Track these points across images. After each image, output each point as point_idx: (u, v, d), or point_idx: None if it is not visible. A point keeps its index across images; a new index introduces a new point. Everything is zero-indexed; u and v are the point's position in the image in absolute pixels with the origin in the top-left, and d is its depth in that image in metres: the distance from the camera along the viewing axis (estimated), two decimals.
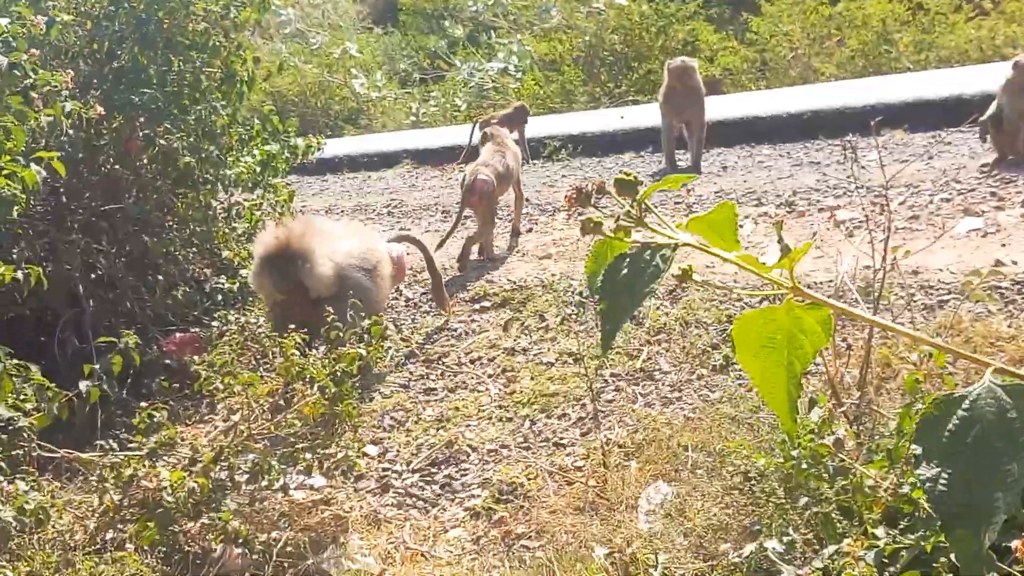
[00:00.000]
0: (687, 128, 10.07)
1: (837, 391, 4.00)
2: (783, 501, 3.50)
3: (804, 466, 3.42)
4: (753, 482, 3.83)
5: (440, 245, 7.38)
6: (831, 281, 5.54)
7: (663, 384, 5.28)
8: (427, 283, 7.21)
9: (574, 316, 6.22)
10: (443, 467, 4.95)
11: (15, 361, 4.05)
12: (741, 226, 7.33)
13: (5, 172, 4.22)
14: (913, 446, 1.13)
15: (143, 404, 5.11)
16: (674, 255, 1.21)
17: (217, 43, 6.90)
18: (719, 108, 12.08)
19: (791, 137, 10.26)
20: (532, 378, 5.66)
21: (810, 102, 11.05)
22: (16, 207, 4.22)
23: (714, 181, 9.15)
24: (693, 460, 4.38)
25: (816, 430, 3.48)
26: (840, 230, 6.55)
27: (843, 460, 3.39)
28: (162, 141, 6.52)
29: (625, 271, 1.24)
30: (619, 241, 1.26)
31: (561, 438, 4.98)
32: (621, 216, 1.25)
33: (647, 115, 12.91)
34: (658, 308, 5.99)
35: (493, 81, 20.56)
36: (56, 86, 4.60)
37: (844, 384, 4.18)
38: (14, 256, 5.52)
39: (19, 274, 4.18)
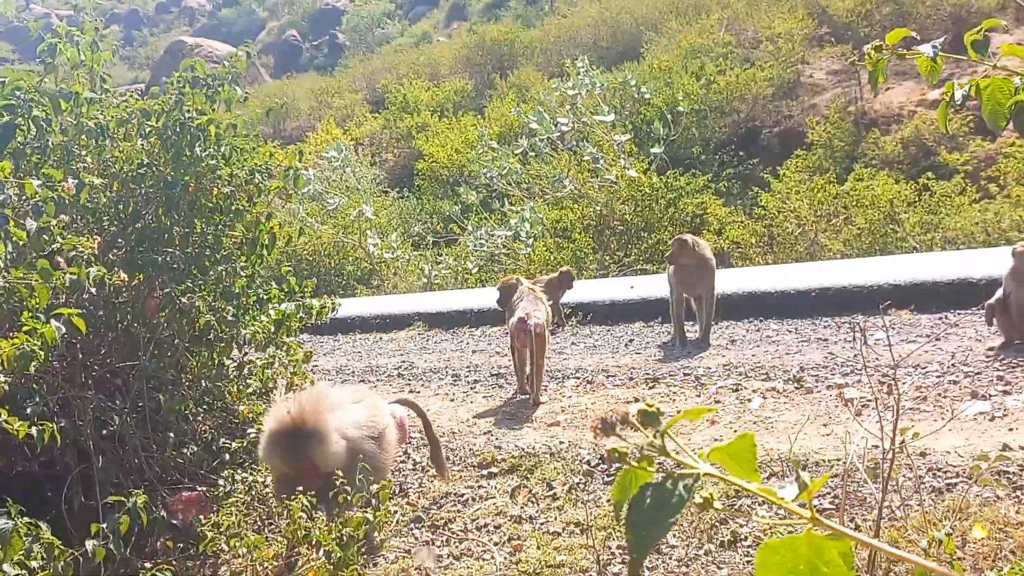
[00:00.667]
0: (696, 302, 10.19)
1: None
2: None
3: None
4: None
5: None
6: (840, 459, 5.55)
7: (670, 558, 5.24)
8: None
9: (582, 485, 6.21)
10: None
11: (26, 519, 4.06)
12: (749, 400, 7.38)
13: (25, 328, 4.31)
14: None
15: (147, 564, 5.10)
16: (697, 485, 1.27)
17: (240, 207, 7.09)
18: (727, 281, 12.26)
19: (798, 313, 10.38)
20: (538, 547, 5.61)
21: (817, 279, 11.21)
22: (33, 362, 4.29)
23: (722, 354, 9.23)
24: None
25: None
26: (848, 408, 6.58)
27: None
28: (183, 300, 6.64)
29: (649, 501, 1.29)
30: (643, 471, 1.32)
31: None
32: (645, 447, 1.32)
33: (657, 285, 13.09)
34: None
35: (505, 246, 20.88)
36: (82, 251, 4.73)
37: (853, 567, 4.16)
38: (28, 411, 5.56)
39: (33, 430, 4.23)
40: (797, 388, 7.53)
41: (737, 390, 7.75)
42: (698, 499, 1.28)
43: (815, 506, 1.39)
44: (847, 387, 7.24)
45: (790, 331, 9.85)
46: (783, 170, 22.00)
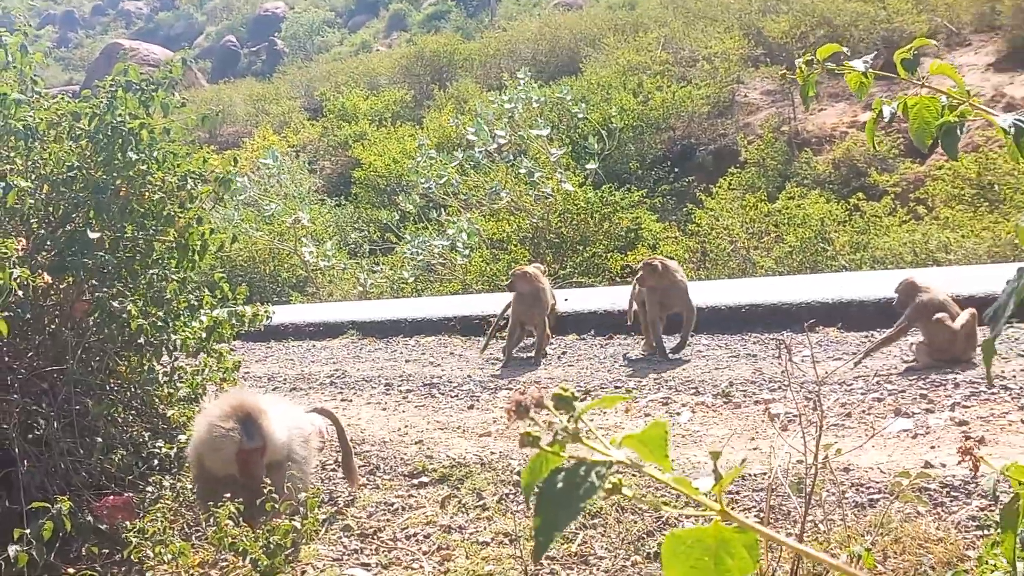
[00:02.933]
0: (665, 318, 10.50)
1: None
2: None
3: None
4: None
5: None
6: (765, 473, 5.64)
7: (598, 570, 5.28)
8: (366, 455, 7.23)
9: (512, 496, 6.24)
10: None
11: None
12: (678, 414, 7.47)
13: None
14: None
15: (71, 570, 5.05)
16: (609, 472, 1.29)
17: (172, 213, 7.03)
18: None
19: (729, 328, 10.53)
20: (467, 557, 5.63)
21: (748, 295, 11.38)
22: None
23: (653, 368, 9.33)
24: None
25: None
26: (774, 423, 6.69)
27: None
28: (113, 304, 6.58)
29: (560, 485, 1.30)
30: (555, 456, 1.34)
31: None
32: (558, 432, 1.34)
33: (590, 298, 13.20)
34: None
35: (441, 256, 20.90)
36: (6, 252, 4.68)
37: (758, 561, 4.23)
38: None
39: None
40: (725, 403, 7.64)
41: (667, 403, 7.84)
42: (607, 484, 1.31)
43: (786, 539, 1.43)
44: (774, 402, 7.35)
45: (720, 346, 9.99)
46: (717, 188, 22.25)
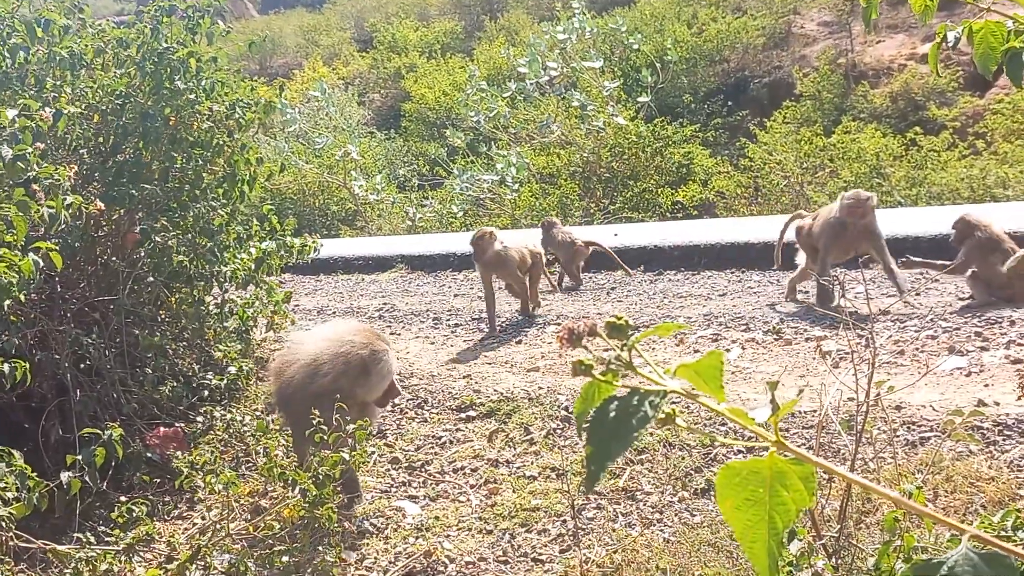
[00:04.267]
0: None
1: (817, 523, 4.00)
2: None
3: None
4: None
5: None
6: (815, 411, 5.57)
7: (644, 505, 5.26)
8: (414, 389, 7.25)
9: (559, 431, 6.22)
10: None
11: None
12: (728, 350, 7.39)
13: (3, 261, 4.27)
14: None
15: (123, 498, 5.10)
16: (663, 401, 1.24)
17: (221, 142, 7.02)
18: (710, 232, 12.24)
19: (781, 265, 10.37)
20: (514, 491, 5.63)
21: None
22: (12, 295, 4.26)
23: (703, 304, 9.24)
24: None
25: (795, 563, 3.47)
26: (826, 360, 6.60)
27: None
28: (157, 237, 6.60)
29: (613, 415, 1.25)
30: (608, 385, 1.29)
31: (540, 554, 4.94)
32: (611, 360, 1.29)
33: (641, 233, 13.07)
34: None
35: (490, 191, 20.80)
36: (58, 180, 4.68)
37: (824, 516, 4.19)
38: (3, 344, 5.53)
39: (5, 367, 4.20)
40: (776, 339, 7.55)
41: (716, 340, 7.76)
42: (660, 415, 1.25)
43: (822, 462, 1.36)
44: (825, 339, 7.25)
45: (772, 283, 9.86)
46: (771, 121, 21.91)
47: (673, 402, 1.29)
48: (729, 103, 25.97)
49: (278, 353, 6.26)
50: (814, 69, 25.70)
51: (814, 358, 6.85)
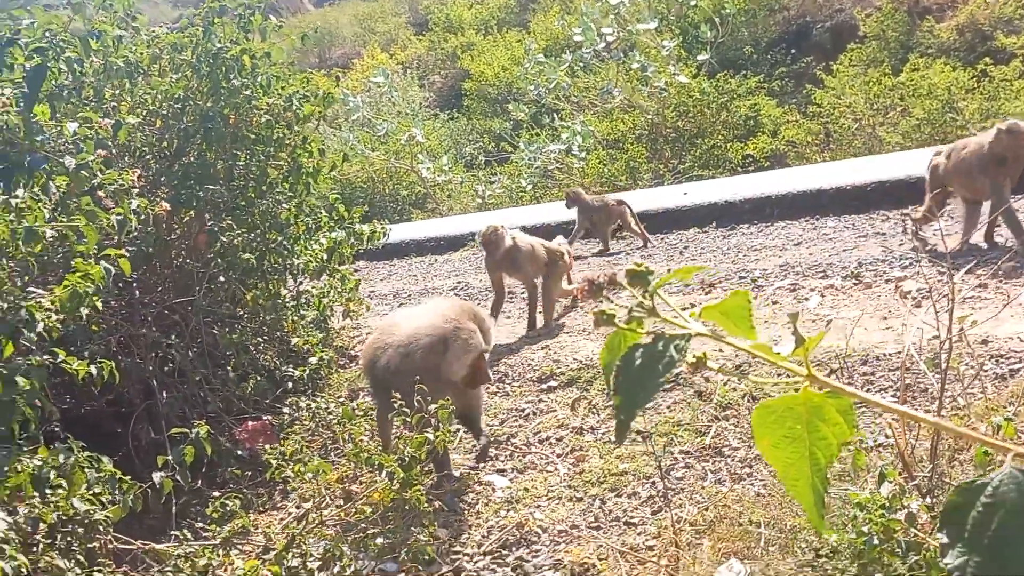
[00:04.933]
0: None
1: (908, 464, 3.94)
2: None
3: (876, 542, 3.37)
4: (825, 559, 3.77)
5: None
6: (899, 352, 5.48)
7: (732, 460, 5.23)
8: (493, 363, 7.26)
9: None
10: (514, 549, 4.92)
11: (87, 454, 4.14)
12: (807, 299, 7.29)
13: (76, 270, 4.35)
14: (938, 534, 1.12)
15: (216, 493, 5.20)
16: (688, 344, 1.21)
17: (281, 136, 7.08)
18: (782, 182, 12.08)
19: (856, 208, 10.20)
20: (601, 457, 5.63)
21: (874, 173, 10.98)
22: (86, 303, 4.34)
23: (778, 255, 9.12)
24: (765, 537, 4.31)
25: (887, 505, 3.43)
26: (906, 301, 6.48)
27: (916, 535, 3.33)
28: (223, 237, 6.68)
29: (639, 362, 1.23)
30: (632, 332, 1.27)
31: (632, 517, 4.94)
32: (633, 307, 1.26)
33: (710, 190, 12.94)
34: (725, 383, 5.95)
35: (557, 161, 20.71)
36: (123, 184, 4.75)
37: (915, 456, 4.12)
38: (87, 352, 5.65)
39: (92, 369, 4.29)
40: (855, 284, 7.42)
41: (794, 289, 7.66)
42: (690, 358, 1.23)
43: (879, 400, 1.32)
44: (905, 280, 7.12)
45: (847, 227, 9.70)
46: (837, 65, 21.48)
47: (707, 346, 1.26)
48: (792, 51, 25.50)
49: (372, 332, 6.32)
50: (876, 9, 25.12)
51: (894, 299, 6.72)
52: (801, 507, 3.85)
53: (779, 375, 1.30)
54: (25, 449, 3.97)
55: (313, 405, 6.71)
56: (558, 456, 5.85)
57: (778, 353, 1.21)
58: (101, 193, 4.57)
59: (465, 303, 5.63)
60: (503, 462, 5.93)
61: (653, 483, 5.16)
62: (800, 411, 1.21)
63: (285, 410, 6.85)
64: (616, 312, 1.27)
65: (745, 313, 1.23)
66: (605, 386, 6.43)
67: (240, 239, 6.78)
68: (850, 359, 5.71)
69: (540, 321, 8.23)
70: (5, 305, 3.97)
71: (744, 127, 20.82)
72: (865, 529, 3.42)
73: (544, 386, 6.81)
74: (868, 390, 5.36)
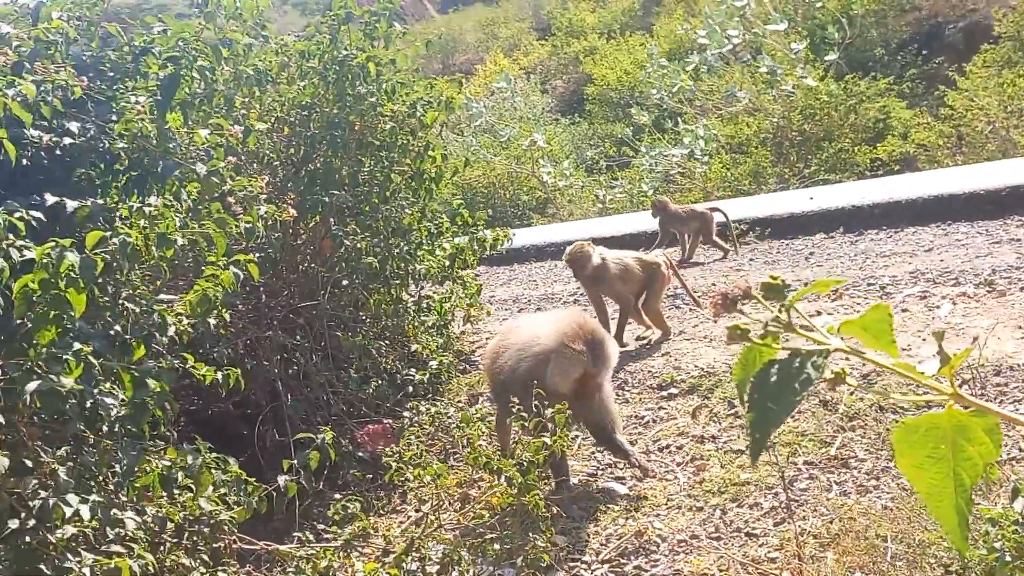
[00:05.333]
0: None
1: None
2: None
3: (1008, 559, 3.25)
4: (956, 575, 3.66)
5: None
6: None
7: (859, 472, 5.10)
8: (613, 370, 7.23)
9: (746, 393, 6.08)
10: (632, 558, 4.87)
11: (214, 455, 4.23)
12: (938, 307, 7.08)
13: (206, 275, 4.45)
14: None
15: (338, 495, 5.27)
16: (826, 362, 1.17)
17: (405, 142, 7.15)
18: (912, 186, 11.77)
19: (989, 214, 9.87)
20: (722, 466, 5.55)
21: (1009, 177, 10.63)
22: (215, 309, 4.44)
23: (908, 261, 8.88)
24: (892, 552, 4.20)
25: (1021, 520, 3.30)
26: None
27: None
28: (346, 242, 6.77)
29: (774, 379, 1.20)
30: (767, 348, 1.23)
31: (753, 528, 4.85)
32: (769, 322, 1.23)
33: (838, 195, 12.68)
34: (852, 393, 5.81)
35: (679, 166, 20.56)
36: (252, 191, 4.84)
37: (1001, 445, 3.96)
38: (215, 355, 5.78)
39: (219, 375, 4.38)
40: (989, 292, 7.18)
41: (925, 297, 7.44)
42: (828, 374, 1.19)
43: (1007, 412, 1.26)
44: None
45: (980, 233, 9.39)
46: (969, 67, 20.89)
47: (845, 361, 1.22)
48: (923, 52, 24.88)
49: (494, 336, 6.35)
50: (1011, 9, 24.35)
51: None
52: (933, 522, 3.73)
53: (909, 386, 1.25)
54: (154, 450, 4.08)
55: (433, 409, 6.76)
56: (678, 464, 5.78)
57: (922, 372, 1.17)
58: (231, 199, 4.67)
59: (585, 320, 5.53)
60: (622, 469, 5.88)
61: (776, 494, 5.06)
62: (945, 430, 1.17)
63: (405, 414, 6.91)
64: (750, 328, 1.24)
65: (886, 328, 1.18)
66: (727, 395, 6.35)
67: (364, 244, 6.86)
68: (983, 369, 5.52)
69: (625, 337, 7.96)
70: (138, 309, 4.08)
71: (873, 130, 20.38)
72: (997, 545, 3.30)
73: (664, 393, 6.74)
74: (1000, 402, 5.19)
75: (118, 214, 4.47)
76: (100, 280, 3.76)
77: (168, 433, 4.57)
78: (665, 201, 11.86)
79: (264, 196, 5.21)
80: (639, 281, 7.84)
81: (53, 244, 3.43)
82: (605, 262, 7.78)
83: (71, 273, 3.43)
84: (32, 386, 3.27)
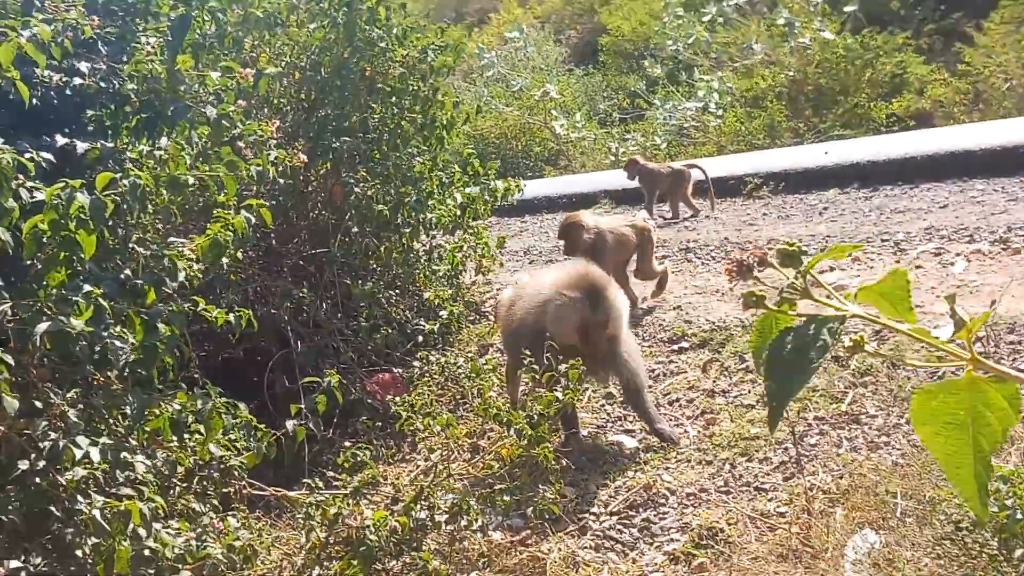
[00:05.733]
0: None
1: None
2: (997, 552, 3.31)
3: (1020, 516, 3.23)
4: (965, 532, 3.64)
5: None
6: None
7: (870, 428, 5.08)
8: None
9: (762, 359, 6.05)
10: (641, 510, 4.87)
11: (224, 400, 4.21)
12: (952, 264, 7.03)
13: (217, 219, 4.41)
14: None
15: (347, 443, 5.27)
16: (842, 328, 1.14)
17: (416, 88, 7.09)
18: (929, 141, 11.66)
19: (1006, 171, 9.77)
20: (732, 420, 5.53)
21: None
22: (226, 253, 4.40)
23: (923, 217, 8.81)
24: (902, 508, 4.19)
25: None
26: None
27: None
28: (357, 189, 6.73)
29: (790, 346, 1.18)
30: (783, 315, 1.20)
31: (762, 483, 4.85)
32: (784, 289, 1.19)
33: (853, 149, 12.57)
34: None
35: (693, 119, 20.40)
36: (262, 135, 4.80)
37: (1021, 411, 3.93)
38: (225, 301, 5.76)
39: (231, 317, 4.35)
40: (1004, 249, 7.12)
41: (939, 254, 7.38)
42: (847, 341, 1.15)
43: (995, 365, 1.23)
44: None
45: (996, 190, 9.31)
46: (988, 23, 20.64)
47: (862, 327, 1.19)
48: (942, 6, 24.58)
49: (506, 289, 6.32)
50: None
51: None
52: (944, 479, 3.71)
53: (923, 345, 1.22)
54: (166, 395, 4.06)
55: (443, 359, 6.75)
56: (688, 418, 5.77)
57: (938, 337, 1.13)
58: (241, 144, 4.62)
59: (589, 270, 5.43)
60: (632, 423, 5.88)
61: (786, 449, 5.05)
62: (963, 397, 1.14)
63: (415, 363, 6.90)
64: (766, 295, 1.20)
65: (904, 294, 1.15)
66: (738, 350, 6.33)
67: (374, 191, 6.83)
68: (997, 328, 5.48)
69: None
70: (148, 253, 4.05)
71: (890, 85, 20.16)
72: (1008, 503, 3.29)
73: (675, 347, 6.71)
74: (1015, 360, 5.15)
75: (128, 156, 4.43)
76: (111, 222, 3.73)
77: (179, 379, 4.57)
78: (636, 159, 11.71)
79: (275, 141, 5.18)
80: (632, 248, 7.63)
81: (63, 185, 3.40)
82: (602, 233, 7.43)
83: (81, 214, 3.40)
84: (42, 327, 3.25)
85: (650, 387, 6.22)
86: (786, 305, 1.20)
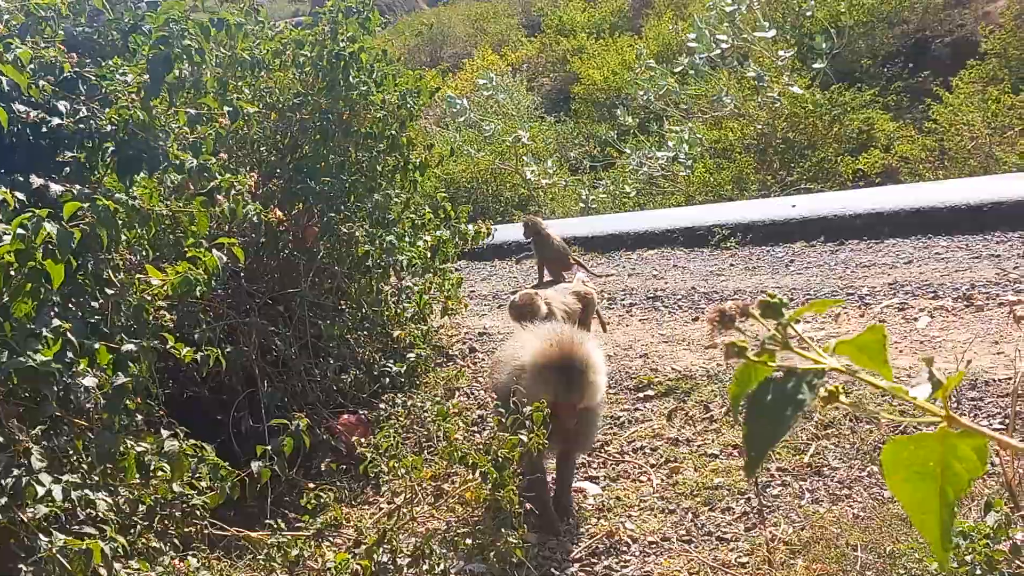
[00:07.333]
0: None
1: (1015, 494, 3.81)
2: None
3: (978, 572, 3.27)
4: None
5: None
6: (1010, 379, 5.32)
7: (831, 480, 5.13)
8: None
9: (740, 408, 6.10)
10: (603, 558, 4.88)
11: (192, 441, 4.20)
12: (916, 319, 7.12)
13: (188, 256, 4.42)
14: None
15: (311, 484, 5.25)
16: (822, 382, 1.19)
17: (394, 134, 7.15)
18: (894, 198, 11.82)
19: (969, 229, 9.93)
20: (695, 469, 5.57)
21: (991, 193, 10.68)
22: (199, 288, 4.41)
23: (887, 272, 8.92)
24: (862, 561, 4.22)
25: (992, 535, 3.33)
26: (1021, 326, 6.28)
27: (1019, 566, 3.23)
28: (343, 228, 6.76)
29: (770, 397, 1.21)
30: (763, 366, 1.24)
31: (724, 532, 4.87)
32: (765, 340, 1.23)
33: (820, 203, 12.72)
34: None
35: (663, 168, 20.58)
36: (240, 188, 4.81)
37: (1022, 487, 3.98)
38: (195, 337, 5.75)
39: (198, 355, 4.35)
40: (967, 306, 7.23)
41: (903, 309, 7.48)
42: (823, 392, 1.20)
43: (984, 426, 1.29)
44: (1020, 304, 6.91)
45: (960, 247, 9.45)
46: (955, 81, 21.00)
47: (837, 380, 1.23)
48: (910, 65, 24.96)
49: (499, 350, 6.31)
50: (998, 26, 24.49)
51: (1008, 324, 6.53)
52: (905, 533, 3.74)
53: (885, 398, 1.27)
54: (132, 431, 4.05)
55: (409, 402, 6.76)
56: (652, 466, 5.80)
57: (914, 396, 1.18)
58: (219, 196, 4.63)
59: (570, 343, 5.20)
60: (596, 469, 5.89)
61: (748, 499, 5.09)
62: (934, 448, 1.19)
63: (381, 405, 6.90)
64: (747, 345, 1.24)
65: (880, 349, 1.19)
66: (703, 399, 6.37)
67: (360, 231, 6.87)
68: (959, 384, 5.56)
69: None
70: (114, 291, 4.05)
71: (856, 140, 20.44)
72: (968, 559, 3.33)
73: (641, 395, 6.75)
74: (975, 416, 5.23)
75: (101, 191, 4.44)
76: (79, 254, 3.73)
77: (148, 417, 4.55)
78: (535, 220, 11.42)
79: (251, 194, 5.20)
80: (577, 314, 7.77)
81: (30, 215, 3.39)
82: (552, 311, 7.40)
83: (48, 244, 3.40)
84: (6, 362, 3.24)
85: (615, 434, 6.25)
86: (766, 356, 1.24)
